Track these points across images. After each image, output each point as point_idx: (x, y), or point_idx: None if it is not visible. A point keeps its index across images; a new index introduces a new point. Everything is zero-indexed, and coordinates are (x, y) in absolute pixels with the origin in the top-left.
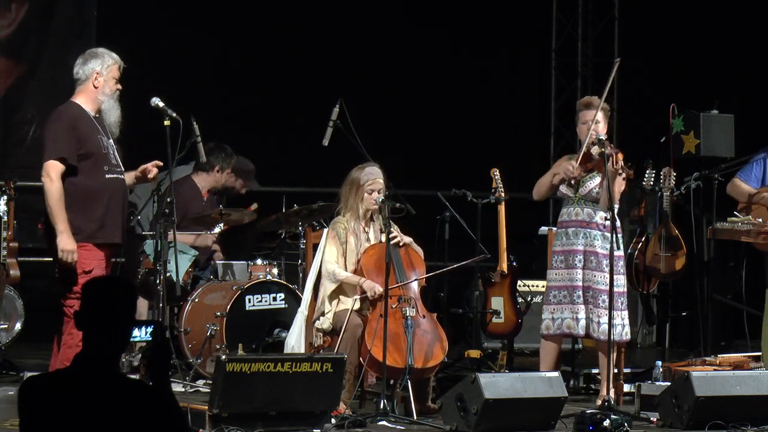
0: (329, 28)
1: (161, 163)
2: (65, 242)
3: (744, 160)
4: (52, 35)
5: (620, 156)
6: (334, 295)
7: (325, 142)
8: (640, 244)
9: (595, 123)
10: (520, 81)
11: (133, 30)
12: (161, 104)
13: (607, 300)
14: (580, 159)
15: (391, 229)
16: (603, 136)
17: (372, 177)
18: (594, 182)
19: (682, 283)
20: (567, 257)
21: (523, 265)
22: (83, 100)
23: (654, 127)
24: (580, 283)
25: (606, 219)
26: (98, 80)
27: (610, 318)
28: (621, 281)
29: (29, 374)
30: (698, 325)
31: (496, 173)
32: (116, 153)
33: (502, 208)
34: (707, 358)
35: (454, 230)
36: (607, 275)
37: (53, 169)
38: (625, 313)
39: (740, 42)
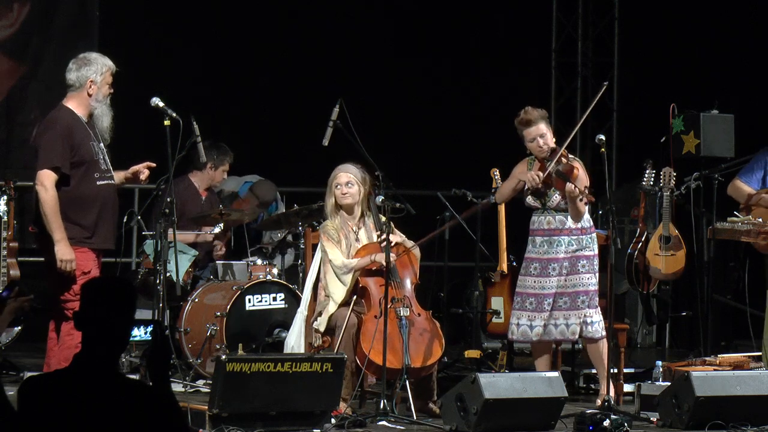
0: (329, 29)
1: (154, 165)
2: (63, 251)
3: (744, 160)
4: (55, 36)
5: (576, 170)
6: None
7: (325, 142)
8: (640, 244)
9: (541, 137)
10: (520, 81)
11: (134, 30)
12: (161, 104)
13: (587, 300)
14: (542, 179)
15: (384, 230)
16: (554, 148)
17: (337, 172)
18: (559, 195)
19: (682, 283)
20: (542, 265)
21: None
22: (75, 105)
23: (654, 127)
24: (552, 291)
25: (575, 224)
26: (92, 88)
27: (611, 318)
28: (594, 280)
29: (29, 374)
30: (698, 325)
31: (496, 173)
32: (107, 158)
33: (502, 208)
34: (707, 358)
35: (454, 230)
36: (584, 276)
37: (47, 178)
38: (599, 310)
39: (740, 42)
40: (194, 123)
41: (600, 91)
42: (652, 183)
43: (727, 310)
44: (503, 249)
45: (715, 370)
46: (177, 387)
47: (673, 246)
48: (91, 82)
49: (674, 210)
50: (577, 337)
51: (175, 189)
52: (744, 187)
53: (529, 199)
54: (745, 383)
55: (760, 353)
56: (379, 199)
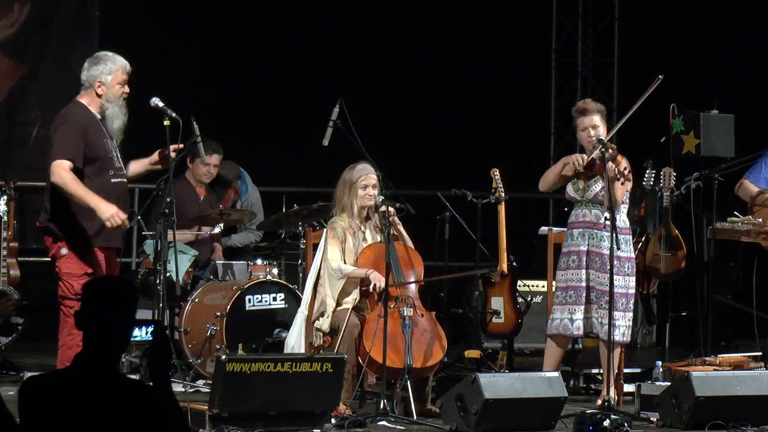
0: (329, 29)
1: (181, 146)
2: (104, 210)
3: (744, 160)
4: (55, 36)
5: (620, 159)
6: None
7: (325, 142)
8: (640, 244)
9: (593, 128)
10: (520, 81)
11: (134, 30)
12: (161, 104)
13: (606, 301)
14: (587, 162)
15: (385, 230)
16: (603, 137)
17: (364, 173)
18: (599, 186)
19: (682, 283)
20: (574, 258)
21: (523, 265)
22: (88, 101)
23: (654, 127)
24: (584, 283)
25: (607, 220)
26: (101, 88)
27: (611, 318)
28: (623, 282)
29: (29, 374)
30: (698, 325)
31: (496, 173)
32: (119, 156)
33: (502, 208)
34: (707, 358)
35: (454, 230)
36: (619, 278)
37: (60, 165)
38: (630, 315)
39: (740, 42)
40: (194, 123)
41: (654, 83)
42: (652, 183)
43: (727, 310)
44: (503, 249)
45: (715, 370)
46: (177, 387)
47: (673, 246)
48: (99, 82)
49: (674, 210)
50: (581, 332)
51: (174, 189)
52: (751, 186)
53: (570, 191)
54: (745, 383)
55: (760, 353)
56: (379, 199)
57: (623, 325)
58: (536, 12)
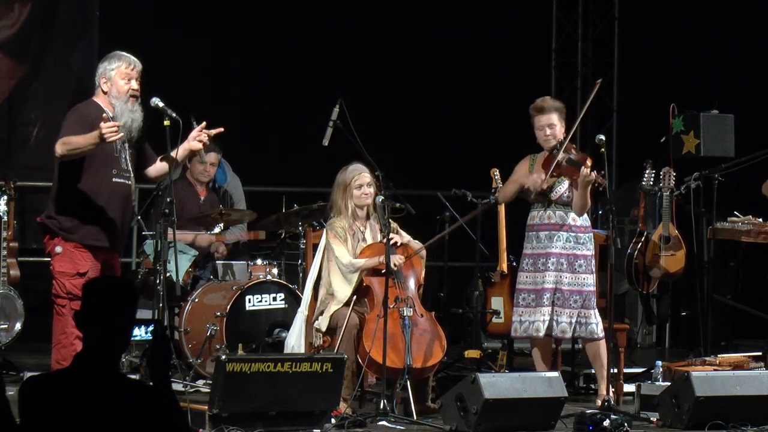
0: (329, 29)
1: (221, 130)
2: (95, 134)
3: (744, 160)
4: (55, 36)
5: (589, 162)
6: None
7: (325, 142)
8: (640, 244)
9: (549, 126)
10: (519, 81)
11: (134, 30)
12: (161, 104)
13: (579, 300)
14: (551, 170)
15: (386, 230)
16: (560, 141)
17: (357, 172)
18: (563, 186)
19: (682, 283)
20: (536, 260)
21: None
22: (101, 99)
23: (654, 127)
24: (551, 286)
25: (575, 220)
26: (106, 84)
27: (611, 318)
28: (591, 280)
29: (29, 374)
30: (698, 325)
31: (496, 173)
32: (129, 158)
33: (502, 208)
34: (707, 358)
35: (454, 230)
36: (580, 276)
37: (59, 143)
38: (597, 311)
39: (740, 42)
40: (194, 123)
41: (594, 89)
42: (652, 183)
43: (727, 310)
44: (503, 249)
45: (715, 370)
46: (177, 387)
47: (673, 246)
48: (104, 78)
49: (674, 210)
50: (568, 335)
51: (174, 189)
52: None
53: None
54: (745, 383)
55: (760, 353)
56: (379, 199)
57: (596, 322)
58: (536, 12)
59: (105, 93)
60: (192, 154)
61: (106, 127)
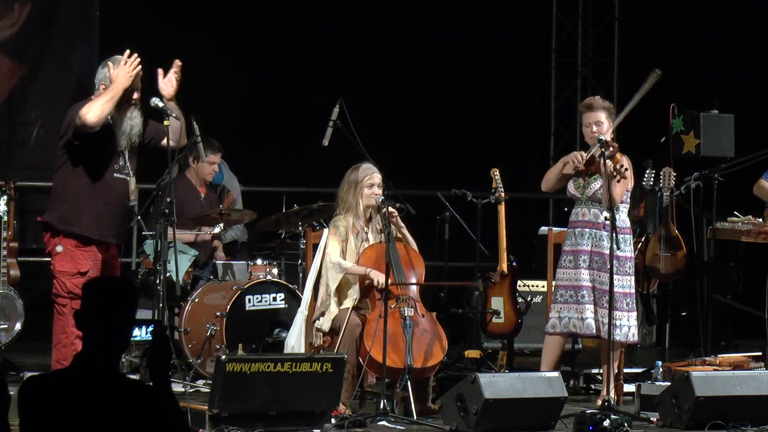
0: (329, 28)
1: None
2: (117, 83)
3: (744, 160)
4: (55, 36)
5: (619, 157)
6: (335, 293)
7: (325, 142)
8: (640, 244)
9: (596, 124)
10: (520, 81)
11: (134, 30)
12: (161, 104)
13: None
14: (586, 159)
15: (386, 231)
16: (603, 137)
17: (369, 172)
18: (597, 184)
19: (682, 283)
20: (575, 257)
21: (523, 265)
22: None
23: (654, 127)
24: (587, 283)
25: (607, 219)
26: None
27: (610, 318)
28: (627, 282)
29: (29, 374)
30: (698, 325)
31: (496, 173)
32: (129, 159)
33: (502, 208)
34: (707, 358)
35: (454, 230)
36: (614, 277)
37: (81, 112)
38: (633, 314)
39: (740, 42)
40: (194, 123)
41: (652, 79)
42: (652, 183)
43: (727, 310)
44: (503, 249)
45: (715, 370)
46: (177, 387)
47: (673, 246)
48: (103, 85)
49: (674, 210)
50: (593, 332)
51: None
52: None
53: (571, 189)
54: (745, 383)
55: (760, 353)
56: (380, 199)
57: (628, 325)
58: (536, 12)
59: None
60: (190, 151)
61: (128, 75)
